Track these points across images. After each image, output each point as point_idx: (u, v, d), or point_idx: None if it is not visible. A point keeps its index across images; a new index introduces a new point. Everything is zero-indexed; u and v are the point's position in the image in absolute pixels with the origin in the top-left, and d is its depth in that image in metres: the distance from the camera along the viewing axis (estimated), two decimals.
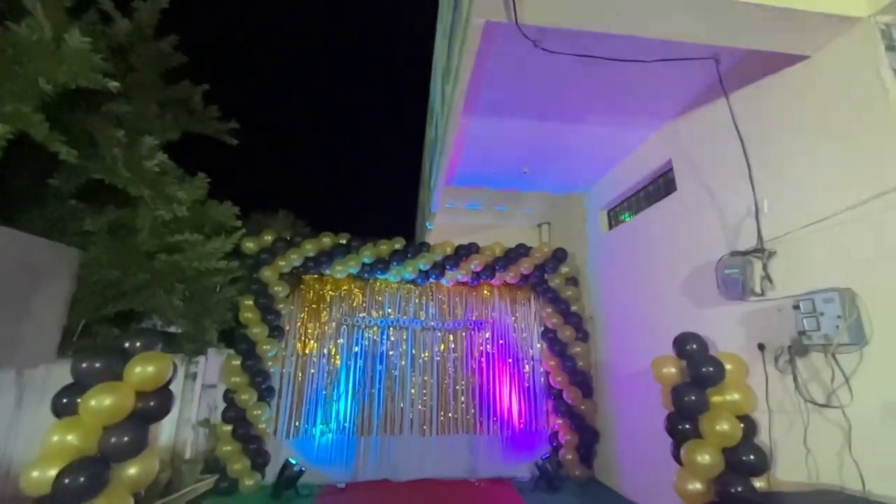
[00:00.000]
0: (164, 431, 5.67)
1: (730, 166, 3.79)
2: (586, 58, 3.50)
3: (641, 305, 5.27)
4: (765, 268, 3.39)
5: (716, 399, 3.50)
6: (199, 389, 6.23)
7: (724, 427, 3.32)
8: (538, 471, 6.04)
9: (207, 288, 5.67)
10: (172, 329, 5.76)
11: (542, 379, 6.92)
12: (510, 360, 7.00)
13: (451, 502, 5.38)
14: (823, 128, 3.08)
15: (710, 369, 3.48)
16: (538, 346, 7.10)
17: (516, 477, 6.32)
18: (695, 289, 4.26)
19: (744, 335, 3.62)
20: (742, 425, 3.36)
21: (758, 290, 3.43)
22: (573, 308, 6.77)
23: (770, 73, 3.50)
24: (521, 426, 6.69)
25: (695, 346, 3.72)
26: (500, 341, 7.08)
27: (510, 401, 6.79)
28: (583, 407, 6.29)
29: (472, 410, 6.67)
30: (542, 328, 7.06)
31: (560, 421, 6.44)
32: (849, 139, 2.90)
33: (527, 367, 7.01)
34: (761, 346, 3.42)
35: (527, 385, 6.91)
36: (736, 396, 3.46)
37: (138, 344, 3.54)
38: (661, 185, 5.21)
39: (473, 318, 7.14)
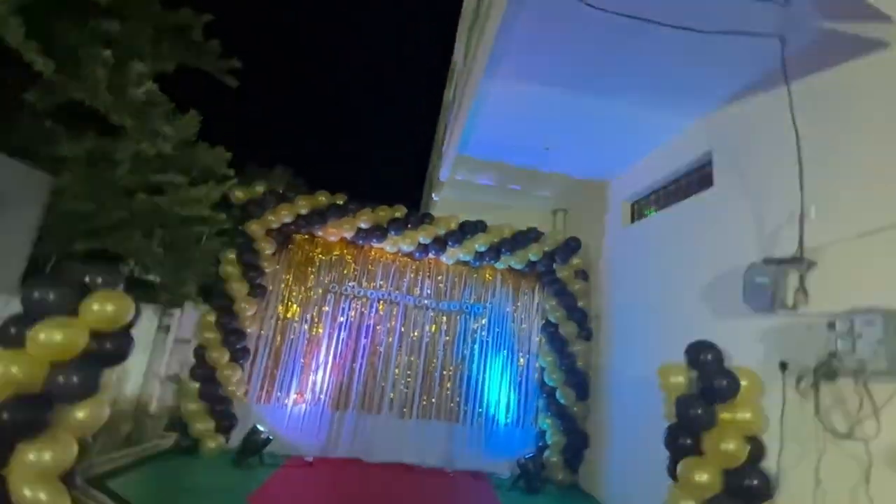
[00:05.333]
0: (131, 383, 5.45)
1: (778, 164, 3.49)
2: (632, 23, 3.17)
3: (654, 307, 5.03)
4: (801, 279, 3.12)
5: (725, 416, 3.26)
6: (171, 343, 5.99)
7: (730, 446, 3.10)
8: (519, 469, 5.83)
9: (190, 237, 5.44)
10: (151, 277, 5.48)
11: (536, 374, 6.69)
12: (505, 351, 6.77)
13: (421, 490, 5.22)
14: (893, 129, 2.76)
15: (724, 383, 3.22)
16: (536, 339, 6.85)
17: (495, 473, 6.11)
18: (716, 295, 4.02)
19: (764, 351, 3.39)
20: (749, 447, 3.14)
21: (789, 302, 3.17)
22: (580, 303, 6.46)
23: (840, 62, 3.16)
24: (507, 421, 6.50)
25: (709, 356, 3.45)
26: (497, 329, 6.85)
27: (499, 393, 6.59)
28: (575, 408, 6.06)
29: (457, 398, 6.48)
30: (544, 321, 6.82)
31: (549, 420, 6.22)
32: None
33: (521, 360, 6.79)
34: (783, 365, 3.19)
35: (519, 379, 6.70)
36: (747, 415, 3.21)
37: (99, 280, 3.25)
38: (696, 179, 4.92)
39: (471, 302, 6.89)
